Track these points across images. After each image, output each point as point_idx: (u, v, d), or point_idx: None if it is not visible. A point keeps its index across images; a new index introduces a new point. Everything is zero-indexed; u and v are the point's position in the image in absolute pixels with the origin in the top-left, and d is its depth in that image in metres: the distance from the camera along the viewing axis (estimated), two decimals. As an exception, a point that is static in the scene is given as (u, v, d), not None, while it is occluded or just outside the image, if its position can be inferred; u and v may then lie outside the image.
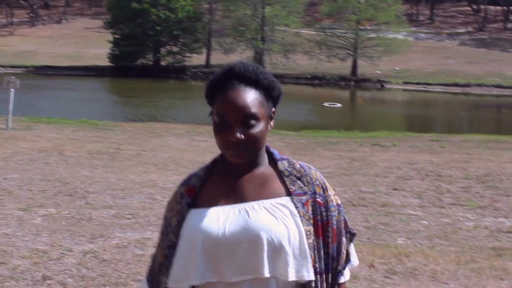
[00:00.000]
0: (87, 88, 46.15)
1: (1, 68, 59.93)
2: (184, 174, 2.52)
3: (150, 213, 9.08)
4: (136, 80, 53.96)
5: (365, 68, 60.32)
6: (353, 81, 58.88)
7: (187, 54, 64.41)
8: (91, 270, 6.50)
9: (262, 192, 2.25)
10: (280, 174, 2.30)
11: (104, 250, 7.19)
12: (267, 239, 2.14)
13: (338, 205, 2.34)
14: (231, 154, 2.21)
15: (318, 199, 2.28)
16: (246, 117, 2.17)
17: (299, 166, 2.33)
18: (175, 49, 65.02)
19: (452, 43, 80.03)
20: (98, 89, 47.39)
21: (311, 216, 2.24)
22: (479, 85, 56.25)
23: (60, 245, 7.31)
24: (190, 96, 37.18)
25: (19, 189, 10.50)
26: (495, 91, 54.81)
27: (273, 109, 2.30)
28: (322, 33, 63.08)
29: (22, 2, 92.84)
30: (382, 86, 57.21)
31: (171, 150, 16.20)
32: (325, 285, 2.26)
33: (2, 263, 6.62)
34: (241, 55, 57.73)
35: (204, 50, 65.63)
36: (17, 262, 6.66)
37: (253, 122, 2.18)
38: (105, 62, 62.26)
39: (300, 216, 2.21)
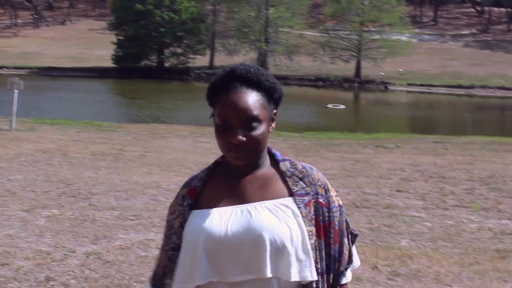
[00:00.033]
0: (91, 90, 46.19)
1: (5, 69, 60.01)
2: (188, 176, 2.53)
3: (154, 214, 9.08)
4: (140, 81, 54.01)
5: (368, 69, 60.30)
6: (357, 83, 58.87)
7: (191, 56, 64.49)
8: (94, 272, 6.50)
9: (264, 193, 2.25)
10: (282, 174, 2.30)
11: (107, 252, 7.18)
12: (270, 239, 2.14)
13: (339, 206, 2.34)
14: (232, 156, 2.21)
15: (320, 200, 2.28)
16: (248, 119, 2.17)
17: (301, 167, 2.33)
18: (179, 50, 65.10)
19: (456, 45, 79.98)
20: (101, 91, 47.42)
21: (313, 216, 2.24)
22: (483, 87, 56.22)
23: (64, 246, 7.31)
24: (194, 97, 37.21)
25: (22, 190, 10.50)
26: (499, 93, 54.76)
27: (275, 111, 2.30)
28: (325, 35, 63.10)
29: (26, 3, 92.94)
30: (386, 87, 57.19)
31: (175, 152, 16.20)
32: (326, 286, 2.26)
33: (6, 264, 6.62)
34: (244, 57, 57.82)
35: (208, 52, 65.66)
36: (20, 263, 6.66)
37: (255, 124, 2.18)
38: (109, 63, 62.32)
39: (302, 216, 2.21)
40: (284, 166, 2.32)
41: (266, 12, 62.31)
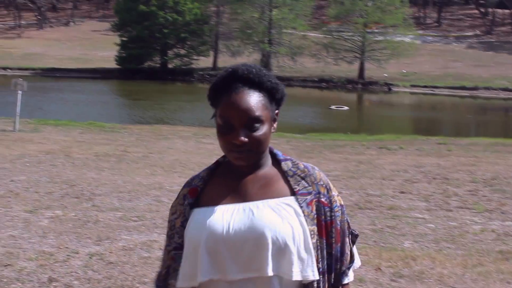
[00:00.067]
0: (94, 91, 46.23)
1: (9, 70, 60.12)
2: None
3: (157, 215, 9.08)
4: (143, 82, 54.04)
5: (372, 71, 60.26)
6: (360, 84, 58.81)
7: (194, 57, 64.46)
8: (97, 273, 6.50)
9: (266, 192, 2.25)
10: (284, 174, 2.30)
11: (110, 253, 7.19)
12: (272, 237, 2.14)
13: (341, 205, 2.35)
14: (234, 156, 2.21)
15: (322, 199, 2.28)
16: (250, 120, 2.17)
17: (303, 167, 2.33)
18: (182, 51, 65.08)
19: (459, 46, 79.90)
20: (105, 92, 47.44)
21: (315, 216, 2.24)
22: (487, 88, 56.15)
23: (67, 247, 7.31)
24: (197, 98, 37.17)
25: (25, 191, 10.51)
26: (503, 94, 54.70)
27: (277, 111, 2.30)
28: (329, 36, 63.06)
29: (30, 4, 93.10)
30: (389, 89, 57.16)
31: (178, 153, 16.21)
32: (327, 286, 2.26)
33: (9, 265, 6.62)
34: (248, 58, 57.82)
35: (211, 53, 65.65)
36: (24, 264, 6.66)
37: (257, 125, 2.18)
38: (112, 64, 62.37)
39: (304, 215, 2.21)
40: (286, 165, 2.32)
41: (270, 13, 62.31)
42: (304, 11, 64.05)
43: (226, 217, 2.19)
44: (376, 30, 62.84)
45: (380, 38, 61.59)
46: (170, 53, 64.95)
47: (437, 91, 55.97)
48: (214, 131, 2.25)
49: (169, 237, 2.34)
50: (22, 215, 8.85)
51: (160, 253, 2.12)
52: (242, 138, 2.16)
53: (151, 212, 9.32)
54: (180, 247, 2.27)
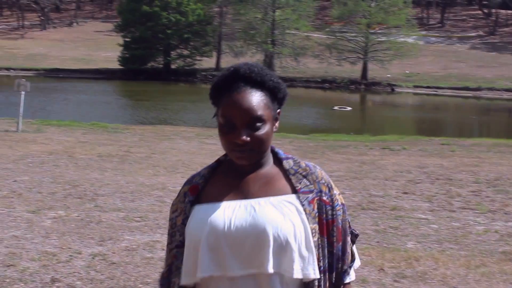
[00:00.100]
0: (98, 91, 46.28)
1: (12, 71, 60.22)
2: (193, 177, 2.51)
3: (160, 216, 9.07)
4: (146, 83, 54.11)
5: (375, 71, 60.24)
6: (363, 85, 58.81)
7: (197, 58, 64.52)
8: (100, 273, 6.50)
9: (268, 190, 2.25)
10: (285, 172, 2.30)
11: (113, 253, 7.19)
12: (273, 234, 2.13)
13: (342, 204, 2.35)
14: (236, 156, 2.20)
15: (324, 198, 2.27)
16: (252, 120, 2.17)
17: (304, 165, 2.33)
18: (185, 52, 65.14)
19: (462, 47, 79.87)
20: (108, 92, 47.49)
21: (317, 214, 2.24)
22: (490, 89, 56.10)
23: (69, 248, 7.31)
24: (200, 99, 37.16)
25: (28, 191, 10.51)
26: (506, 95, 54.64)
27: (278, 111, 2.29)
28: (332, 37, 63.08)
29: (33, 5, 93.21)
30: (393, 89, 57.14)
31: (181, 153, 16.20)
32: (328, 285, 2.25)
33: (11, 265, 6.62)
34: (251, 59, 57.72)
35: (214, 54, 65.67)
36: (26, 265, 6.66)
37: (259, 124, 2.17)
38: (115, 65, 62.42)
39: (306, 214, 2.21)
40: (288, 164, 2.32)
41: (273, 14, 62.38)
42: (307, 12, 64.06)
43: (227, 213, 2.19)
44: (379, 31, 62.88)
45: (383, 38, 61.60)
46: (173, 53, 65.05)
47: (440, 91, 55.94)
48: (217, 131, 2.25)
49: (171, 235, 2.34)
50: (25, 215, 8.85)
51: (163, 254, 2.11)
52: (244, 137, 2.15)
53: (154, 212, 9.32)
54: (181, 244, 2.26)
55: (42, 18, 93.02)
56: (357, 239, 2.42)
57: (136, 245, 7.53)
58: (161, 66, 64.26)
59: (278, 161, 2.33)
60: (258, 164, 2.28)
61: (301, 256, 2.16)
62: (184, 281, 2.23)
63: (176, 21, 62.41)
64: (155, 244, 7.55)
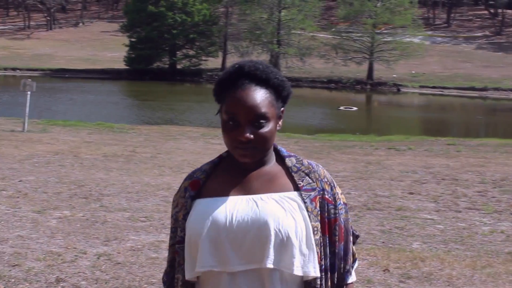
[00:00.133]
0: (103, 91, 46.33)
1: (18, 71, 60.37)
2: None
3: (165, 216, 9.06)
4: (152, 83, 54.15)
5: (381, 71, 60.16)
6: (369, 85, 58.74)
7: (203, 58, 64.58)
8: (105, 273, 6.50)
9: (270, 186, 2.24)
10: (288, 170, 2.29)
11: (118, 253, 7.18)
12: (275, 229, 2.12)
13: (345, 204, 2.34)
14: (239, 153, 2.19)
15: (327, 196, 2.26)
16: (256, 117, 2.15)
17: (307, 163, 2.32)
18: (191, 52, 65.20)
19: (469, 47, 79.72)
20: (114, 92, 47.56)
21: (319, 212, 2.23)
22: (496, 89, 55.98)
23: (74, 248, 7.31)
24: (206, 99, 37.16)
25: (34, 191, 10.52)
26: (512, 95, 54.54)
27: (282, 109, 2.28)
28: (338, 37, 63.05)
29: (39, 5, 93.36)
30: (398, 89, 57.08)
31: (186, 153, 16.21)
32: (329, 284, 2.24)
33: (16, 265, 6.62)
34: (257, 59, 57.32)
35: (220, 54, 65.69)
36: (31, 264, 6.66)
37: (263, 122, 2.16)
38: (121, 65, 62.51)
39: (308, 211, 2.20)
40: (290, 161, 2.31)
41: (279, 14, 62.38)
42: (313, 12, 64.04)
43: (229, 207, 2.18)
44: (385, 31, 62.83)
45: (389, 39, 61.53)
46: (179, 53, 65.10)
47: (446, 92, 55.86)
48: (222, 131, 2.23)
49: (173, 231, 2.33)
50: (31, 215, 8.85)
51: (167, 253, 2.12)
52: (248, 134, 2.14)
53: (159, 212, 9.31)
54: (183, 240, 2.25)
55: (48, 18, 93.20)
56: (358, 240, 2.41)
57: (141, 245, 7.52)
58: (167, 66, 64.32)
59: (280, 158, 2.32)
60: (260, 161, 2.27)
61: (302, 253, 2.16)
62: (188, 276, 2.22)
63: (182, 21, 62.45)
64: (160, 244, 7.54)
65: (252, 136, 2.15)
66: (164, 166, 13.85)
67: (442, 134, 25.07)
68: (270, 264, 2.11)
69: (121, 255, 7.12)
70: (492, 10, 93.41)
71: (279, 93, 2.25)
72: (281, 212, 2.15)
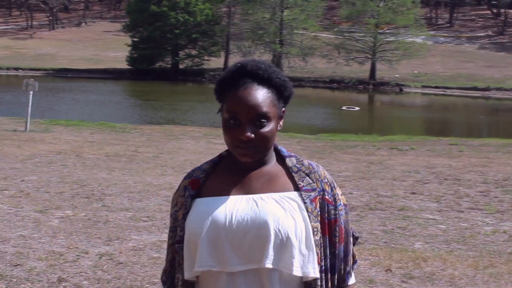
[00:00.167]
0: (106, 91, 46.36)
1: (21, 70, 60.40)
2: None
3: (167, 215, 9.04)
4: (154, 83, 54.16)
5: (383, 71, 60.13)
6: (372, 85, 58.71)
7: (206, 57, 64.55)
8: (106, 273, 6.50)
9: (270, 186, 2.23)
10: (288, 170, 2.28)
11: (120, 253, 7.18)
12: (274, 229, 2.12)
13: (345, 205, 2.33)
14: (240, 152, 2.19)
15: (327, 197, 2.26)
16: (257, 116, 2.15)
17: (307, 163, 2.31)
18: (194, 52, 65.18)
19: (471, 47, 79.65)
20: (116, 92, 47.59)
21: (319, 213, 2.23)
22: (499, 89, 55.91)
23: (76, 247, 7.31)
24: (208, 99, 37.13)
25: (36, 191, 10.53)
26: (515, 95, 54.48)
27: (283, 109, 2.28)
28: (340, 37, 63.00)
29: (42, 5, 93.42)
30: (401, 89, 57.05)
31: (188, 153, 16.21)
32: (330, 285, 2.23)
33: (18, 264, 6.62)
34: (259, 59, 57.74)
35: (223, 54, 65.70)
36: (33, 264, 6.66)
37: (264, 121, 2.16)
38: (123, 65, 62.52)
39: (308, 212, 2.19)
40: (291, 162, 2.30)
41: (281, 14, 62.36)
42: (315, 12, 64.02)
43: (229, 207, 2.17)
44: (387, 31, 62.76)
45: (392, 38, 61.48)
46: (181, 53, 65.10)
47: (448, 91, 55.82)
48: (225, 131, 2.22)
49: (172, 231, 2.33)
50: (33, 215, 8.86)
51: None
52: (249, 134, 2.14)
53: (161, 212, 9.31)
54: (182, 239, 2.24)
55: (50, 18, 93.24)
56: (357, 241, 2.41)
57: (143, 245, 7.52)
58: (169, 66, 64.32)
59: (281, 158, 2.32)
60: (261, 161, 2.26)
61: (301, 254, 2.15)
62: (188, 275, 2.22)
63: (184, 21, 62.45)
64: (162, 244, 7.53)
65: (253, 135, 2.14)
66: (166, 166, 13.85)
67: (445, 134, 25.05)
68: (269, 264, 2.11)
69: (123, 255, 7.12)
70: (494, 10, 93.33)
71: (281, 93, 2.24)
72: (281, 212, 2.15)
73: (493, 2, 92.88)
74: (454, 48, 77.96)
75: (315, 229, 2.18)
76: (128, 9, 69.22)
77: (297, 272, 2.14)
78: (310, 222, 2.18)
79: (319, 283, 2.18)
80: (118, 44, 72.32)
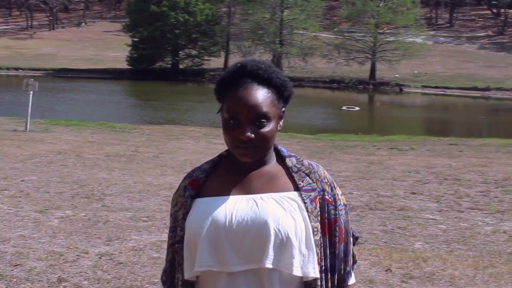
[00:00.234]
0: (106, 91, 46.36)
1: (21, 70, 60.40)
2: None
3: (167, 215, 9.04)
4: (154, 83, 54.16)
5: (383, 71, 60.13)
6: (372, 85, 58.71)
7: (206, 58, 64.54)
8: (106, 273, 6.50)
9: (270, 186, 2.23)
10: (288, 170, 2.28)
11: (120, 253, 7.18)
12: (274, 229, 2.12)
13: (345, 205, 2.33)
14: (240, 152, 2.19)
15: (327, 197, 2.26)
16: (257, 116, 2.15)
17: (307, 163, 2.31)
18: (194, 52, 65.17)
19: (471, 47, 79.65)
20: (116, 92, 47.59)
21: (319, 213, 2.23)
22: (499, 89, 55.91)
23: (76, 247, 7.31)
24: (208, 99, 37.12)
25: (36, 191, 10.52)
26: (515, 95, 54.48)
27: (283, 109, 2.27)
28: (340, 37, 62.99)
29: (42, 5, 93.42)
30: (401, 89, 57.05)
31: (188, 153, 16.21)
32: (330, 285, 2.23)
33: (18, 264, 6.62)
34: (259, 59, 57.75)
35: (223, 54, 65.69)
36: (33, 264, 6.66)
37: (264, 121, 2.16)
38: (123, 65, 62.53)
39: (308, 212, 2.19)
40: (291, 162, 2.30)
41: (281, 14, 62.36)
42: (315, 12, 64.02)
43: (229, 207, 2.17)
44: (387, 31, 62.77)
45: (392, 38, 61.48)
46: (181, 53, 65.10)
47: (448, 91, 55.82)
48: (225, 131, 2.22)
49: (172, 231, 2.33)
50: (33, 215, 8.86)
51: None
52: (249, 134, 2.14)
53: (161, 212, 9.31)
54: (182, 239, 2.24)
55: (50, 18, 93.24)
56: (357, 241, 2.41)
57: (143, 245, 7.52)
58: (169, 66, 64.31)
59: (281, 158, 2.32)
60: (261, 161, 2.26)
61: (301, 254, 2.15)
62: (188, 275, 2.22)
63: (184, 21, 62.44)
64: (162, 244, 7.53)
65: (253, 135, 2.14)
66: (166, 166, 13.85)
67: (445, 134, 25.05)
68: (269, 264, 2.10)
69: (123, 255, 7.12)
70: (494, 10, 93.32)
71: (281, 93, 2.24)
72: (281, 212, 2.15)
73: (493, 2, 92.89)
74: (454, 48, 77.97)
75: (315, 229, 2.18)
76: (128, 9, 69.23)
77: (297, 272, 2.14)
78: (310, 222, 2.18)
79: (319, 283, 2.18)
80: (118, 44, 72.32)
